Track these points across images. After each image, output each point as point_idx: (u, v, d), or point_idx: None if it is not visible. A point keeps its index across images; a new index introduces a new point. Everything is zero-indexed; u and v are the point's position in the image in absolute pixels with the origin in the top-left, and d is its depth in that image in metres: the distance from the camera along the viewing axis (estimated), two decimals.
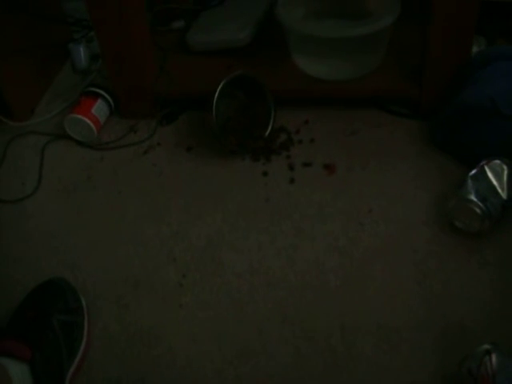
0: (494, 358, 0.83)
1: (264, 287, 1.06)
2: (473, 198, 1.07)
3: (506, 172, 1.10)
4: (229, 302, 1.05)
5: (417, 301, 1.02)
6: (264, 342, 0.99)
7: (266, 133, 1.32)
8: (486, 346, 0.85)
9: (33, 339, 0.92)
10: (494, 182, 1.08)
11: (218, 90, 1.26)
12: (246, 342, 0.99)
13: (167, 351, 0.99)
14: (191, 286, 1.08)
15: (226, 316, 1.03)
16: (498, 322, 0.97)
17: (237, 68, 1.34)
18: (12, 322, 1.00)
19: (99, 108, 1.41)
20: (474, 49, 1.29)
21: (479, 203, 1.06)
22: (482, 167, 1.11)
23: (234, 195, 1.23)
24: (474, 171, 1.11)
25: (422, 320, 0.99)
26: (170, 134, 1.40)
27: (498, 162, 1.11)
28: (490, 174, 1.09)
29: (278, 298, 1.05)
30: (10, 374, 0.85)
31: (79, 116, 1.37)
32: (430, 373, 0.92)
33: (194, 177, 1.28)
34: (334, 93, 1.36)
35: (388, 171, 1.24)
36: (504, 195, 1.08)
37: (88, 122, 1.37)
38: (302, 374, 0.94)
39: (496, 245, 1.08)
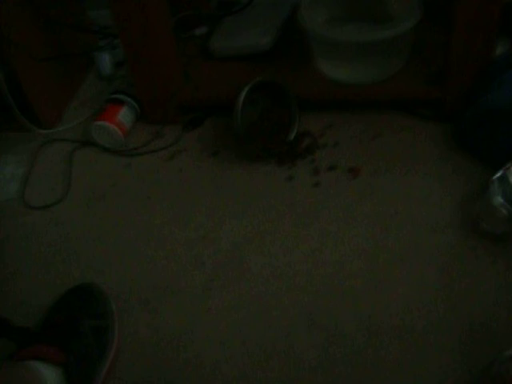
0: None
1: (290, 291, 1.07)
2: (498, 200, 1.07)
3: None
4: (256, 306, 1.06)
5: (443, 304, 1.02)
6: (291, 346, 1.00)
7: (291, 137, 1.33)
8: None
9: (65, 344, 0.94)
10: None
11: (243, 95, 1.27)
12: (274, 346, 1.00)
13: (195, 355, 1.01)
14: (219, 290, 1.09)
15: (253, 320, 1.04)
16: None
17: (260, 73, 1.35)
18: (43, 326, 1.02)
19: (125, 114, 1.43)
20: (499, 49, 1.29)
21: (505, 205, 1.06)
22: (508, 169, 1.10)
23: (260, 199, 1.24)
24: (499, 173, 1.11)
25: (448, 322, 0.99)
26: (195, 139, 1.41)
27: None
28: None
29: (304, 302, 1.05)
30: (44, 378, 0.87)
31: (105, 123, 1.39)
32: (457, 376, 0.92)
33: (220, 182, 1.29)
34: (357, 96, 1.36)
35: (412, 174, 1.24)
36: None
37: (114, 128, 1.39)
38: (329, 377, 0.95)
39: None
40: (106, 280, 1.12)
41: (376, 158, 1.29)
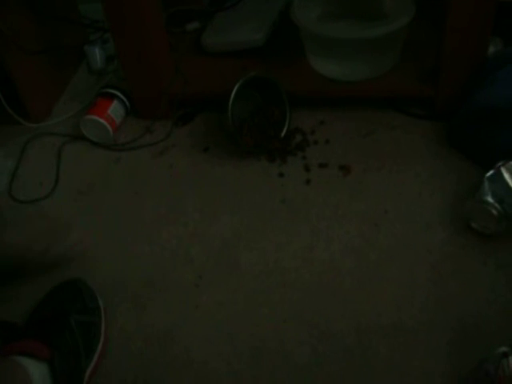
0: (511, 360, 0.83)
1: (280, 288, 1.07)
2: (489, 199, 1.07)
3: None
4: (245, 303, 1.05)
5: (433, 302, 1.02)
6: (280, 343, 0.99)
7: (282, 134, 1.33)
8: (504, 349, 0.84)
9: (51, 339, 0.93)
10: (511, 184, 1.08)
11: (234, 91, 1.26)
12: (263, 343, 0.99)
13: (183, 351, 1.00)
14: (207, 287, 1.08)
15: (242, 317, 1.03)
16: None
17: (252, 69, 1.35)
18: (30, 322, 1.02)
19: (115, 109, 1.42)
20: (491, 49, 1.29)
21: (496, 205, 1.06)
22: (499, 169, 1.10)
23: (250, 196, 1.24)
24: (490, 172, 1.11)
25: (438, 321, 0.99)
26: (185, 134, 1.41)
27: None
28: (506, 176, 1.09)
29: (294, 299, 1.05)
30: (30, 373, 0.86)
31: (95, 117, 1.38)
32: (446, 374, 0.92)
33: (210, 177, 1.29)
34: (349, 93, 1.36)
35: (404, 172, 1.24)
36: None
37: (104, 123, 1.38)
38: (318, 375, 0.94)
39: None
40: (94, 275, 1.11)
41: (367, 155, 1.29)
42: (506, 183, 1.08)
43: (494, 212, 1.06)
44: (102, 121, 1.38)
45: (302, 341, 0.99)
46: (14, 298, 1.10)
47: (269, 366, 0.96)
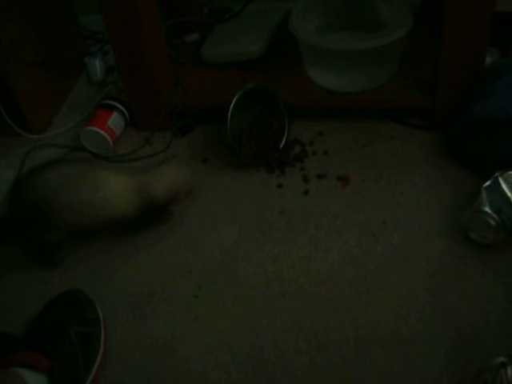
0: (509, 370, 0.83)
1: (279, 298, 1.07)
2: (487, 209, 1.07)
3: None
4: (244, 314, 1.05)
5: (430, 312, 1.02)
6: (279, 353, 0.99)
7: (281, 145, 1.33)
8: (502, 359, 0.84)
9: (50, 350, 0.93)
10: (509, 194, 1.08)
11: (233, 102, 1.27)
12: (262, 353, 0.99)
13: (183, 362, 1.00)
14: (207, 298, 1.09)
15: (241, 327, 1.03)
16: None
17: (251, 80, 1.35)
18: (29, 333, 1.02)
19: (115, 120, 1.42)
20: (488, 60, 1.30)
21: (493, 215, 1.06)
22: (497, 178, 1.11)
23: (249, 207, 1.24)
24: (488, 183, 1.11)
25: (436, 331, 0.99)
26: (185, 146, 1.41)
27: None
28: (504, 186, 1.09)
29: (292, 309, 1.05)
30: None
31: (95, 129, 1.39)
32: None
33: (209, 188, 1.29)
34: (347, 105, 1.37)
35: (402, 183, 1.24)
36: None
37: (104, 134, 1.39)
38: None
39: (510, 256, 1.08)
40: (93, 286, 1.11)
41: (366, 166, 1.29)
42: (504, 193, 1.09)
43: (492, 222, 1.06)
44: (102, 132, 1.39)
45: (300, 350, 0.99)
46: (14, 309, 1.10)
47: (268, 375, 0.96)
